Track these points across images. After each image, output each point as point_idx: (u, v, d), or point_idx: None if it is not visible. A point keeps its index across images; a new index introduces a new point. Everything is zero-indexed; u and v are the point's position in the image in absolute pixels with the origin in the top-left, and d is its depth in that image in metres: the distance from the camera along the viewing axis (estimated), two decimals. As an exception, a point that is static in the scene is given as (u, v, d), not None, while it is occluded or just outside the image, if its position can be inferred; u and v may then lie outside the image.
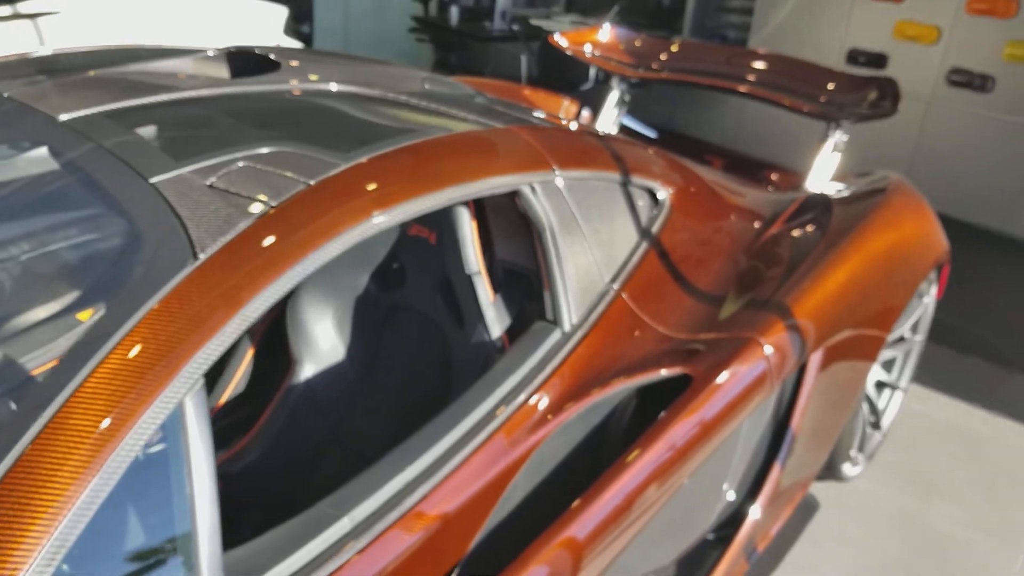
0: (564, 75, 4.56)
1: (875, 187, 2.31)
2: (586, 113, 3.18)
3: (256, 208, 1.05)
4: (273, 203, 1.06)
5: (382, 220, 1.14)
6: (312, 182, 1.11)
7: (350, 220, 1.09)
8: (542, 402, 1.36)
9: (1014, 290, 3.76)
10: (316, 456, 1.71)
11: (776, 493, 1.77)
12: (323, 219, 1.08)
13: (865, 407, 2.36)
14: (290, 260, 1.02)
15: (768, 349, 1.54)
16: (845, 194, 2.30)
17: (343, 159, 1.18)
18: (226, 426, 1.79)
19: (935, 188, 4.31)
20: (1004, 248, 4.11)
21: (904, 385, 2.56)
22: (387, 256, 1.69)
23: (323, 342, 1.68)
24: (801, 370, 1.72)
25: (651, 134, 5.20)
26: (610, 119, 3.13)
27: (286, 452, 1.68)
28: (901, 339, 2.47)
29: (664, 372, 1.45)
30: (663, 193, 1.86)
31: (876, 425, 2.47)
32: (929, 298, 2.43)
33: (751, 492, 1.70)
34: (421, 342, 1.63)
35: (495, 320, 1.53)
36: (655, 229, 1.77)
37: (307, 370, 1.68)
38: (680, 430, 1.36)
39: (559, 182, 1.54)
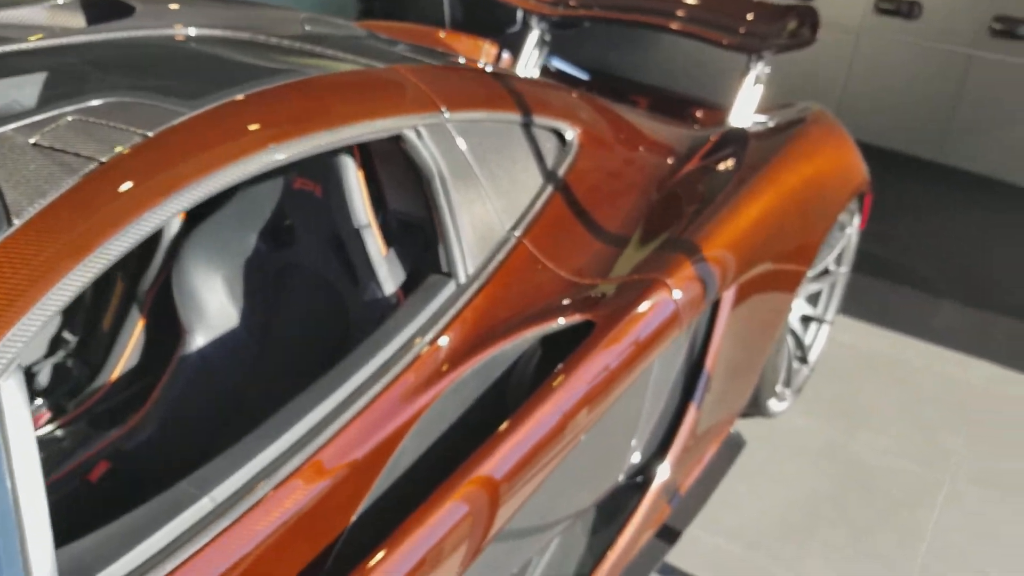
0: (489, 18, 4.41)
1: (793, 119, 2.26)
2: (506, 56, 3.07)
3: (84, 166, 0.95)
4: (103, 159, 0.96)
5: (234, 173, 1.05)
6: (150, 134, 1.01)
7: (193, 174, 1.00)
8: (435, 358, 1.29)
9: (945, 218, 3.78)
10: (216, 427, 1.63)
11: (695, 435, 1.74)
12: (162, 175, 0.98)
13: (790, 342, 2.35)
14: (121, 222, 0.92)
15: (676, 291, 1.49)
16: (763, 127, 2.25)
17: (189, 107, 1.08)
18: (120, 402, 1.70)
19: (866, 119, 4.30)
20: (935, 177, 4.12)
21: (831, 318, 2.55)
22: (274, 213, 1.59)
23: (213, 308, 1.59)
24: (715, 308, 1.68)
25: (583, 76, 5.11)
26: (531, 61, 3.02)
27: (183, 425, 1.59)
28: (826, 272, 2.45)
29: (563, 320, 1.39)
30: (571, 133, 1.78)
31: (803, 359, 2.46)
32: (852, 229, 2.41)
33: (668, 435, 1.66)
34: (315, 302, 1.55)
35: (388, 275, 1.45)
36: (561, 171, 1.70)
37: (199, 338, 1.59)
38: (581, 378, 1.31)
39: (449, 125, 1.45)
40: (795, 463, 2.26)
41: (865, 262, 3.30)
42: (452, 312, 1.35)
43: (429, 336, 1.31)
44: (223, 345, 1.60)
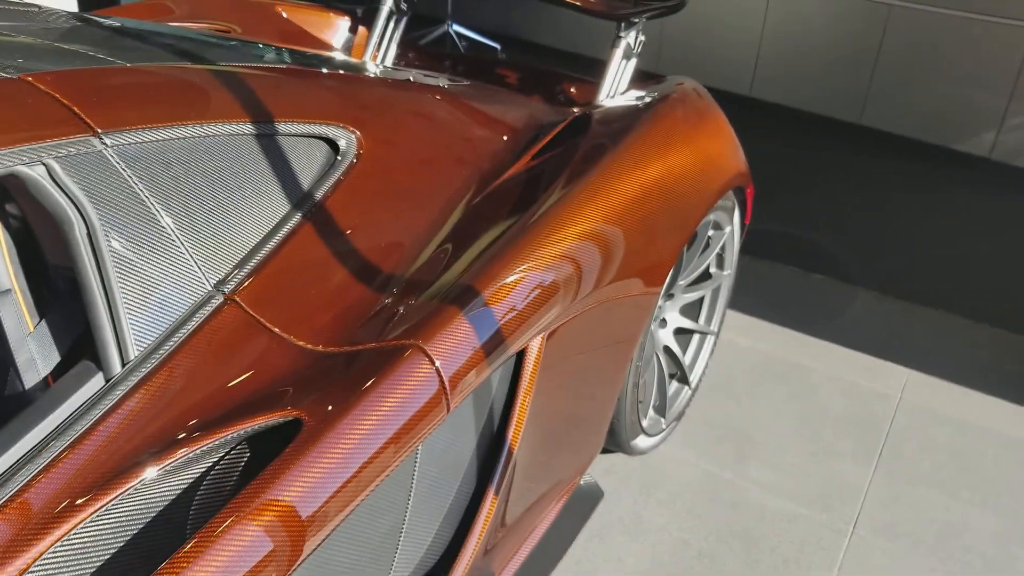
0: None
1: (654, 98, 1.87)
2: (363, 29, 2.66)
3: None
4: None
5: None
6: None
7: None
8: (49, 490, 0.90)
9: (865, 186, 3.44)
10: None
11: (503, 524, 1.38)
12: None
13: (664, 361, 2.00)
14: None
15: (440, 359, 1.11)
16: (613, 110, 1.86)
17: None
18: None
19: (783, 80, 3.95)
20: (857, 140, 3.78)
21: (715, 328, 2.20)
22: None
23: None
24: (521, 357, 1.31)
25: (492, 43, 4.68)
26: (388, 33, 2.58)
27: None
28: (706, 277, 2.10)
29: (261, 423, 1.00)
30: (346, 140, 1.38)
31: (683, 380, 2.12)
32: (733, 227, 2.05)
33: (459, 535, 1.30)
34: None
35: (35, 356, 1.06)
36: (321, 193, 1.30)
37: None
38: (278, 494, 0.94)
39: (107, 151, 1.05)
40: (665, 510, 1.92)
41: (771, 246, 2.96)
42: (95, 415, 0.96)
43: (48, 458, 0.92)
44: None
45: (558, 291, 1.33)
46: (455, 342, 1.14)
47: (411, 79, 1.74)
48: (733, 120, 2.02)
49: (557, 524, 1.69)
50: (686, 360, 2.15)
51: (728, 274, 2.14)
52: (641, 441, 1.94)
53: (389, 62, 2.48)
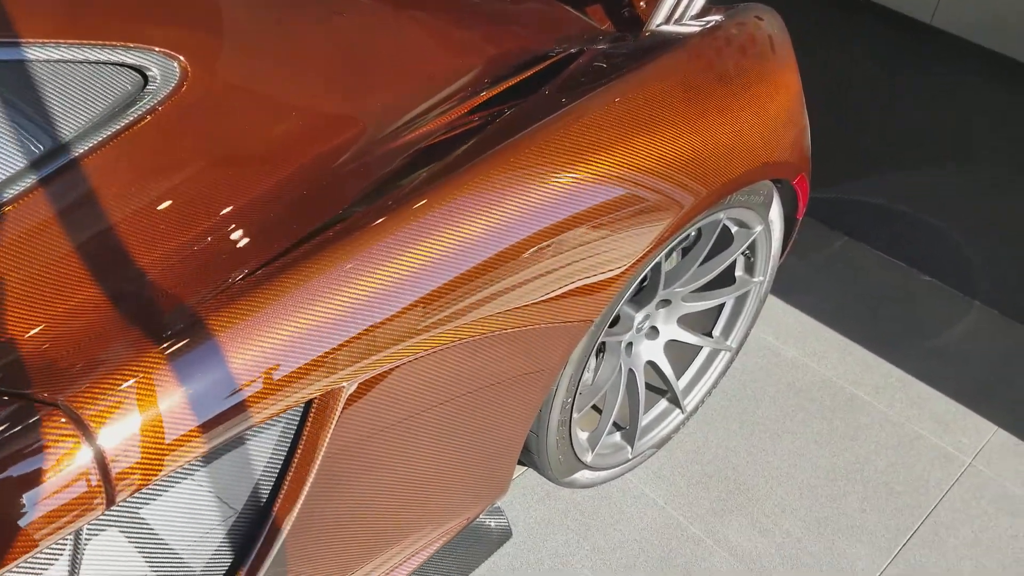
0: None
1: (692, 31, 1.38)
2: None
3: None
4: None
5: None
6: None
7: None
8: None
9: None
10: None
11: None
12: None
13: (640, 381, 1.60)
14: None
15: (101, 430, 0.80)
16: (626, 48, 1.39)
17: None
18: None
19: None
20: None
21: (734, 343, 1.75)
22: None
23: None
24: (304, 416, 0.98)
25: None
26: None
27: None
28: (731, 280, 1.64)
29: None
30: (162, 70, 1.06)
31: (675, 401, 1.71)
32: (768, 225, 1.56)
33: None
34: None
35: None
36: (89, 145, 1.00)
37: None
38: None
39: None
40: (597, 561, 1.57)
41: (869, 226, 2.40)
42: None
43: None
44: None
45: (376, 329, 0.97)
46: (127, 408, 0.82)
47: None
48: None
49: (436, 564, 1.40)
50: (682, 381, 1.73)
51: (760, 281, 1.67)
52: (583, 476, 1.58)
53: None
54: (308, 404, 0.95)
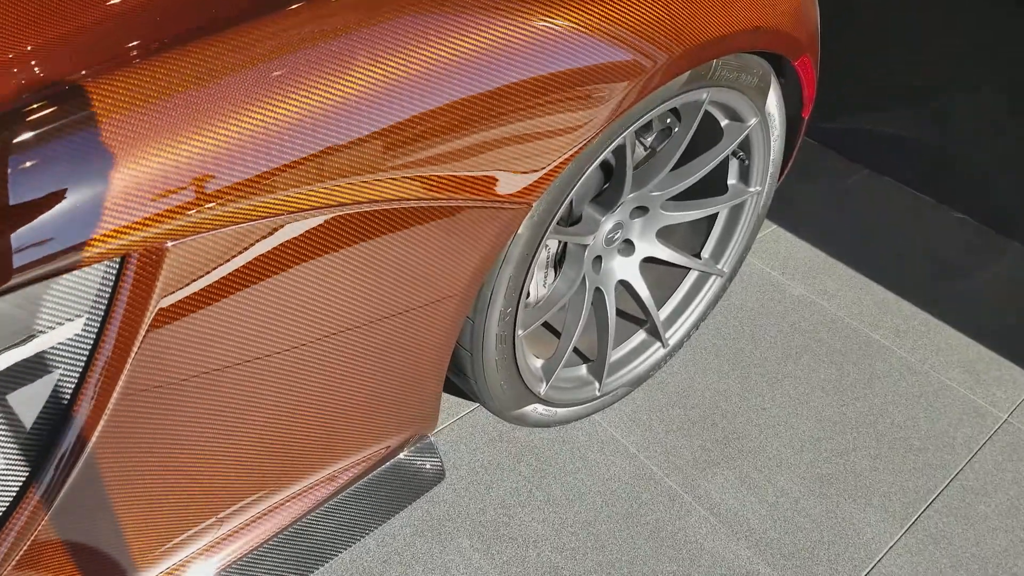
0: None
1: None
2: None
3: None
4: None
5: None
6: None
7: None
8: None
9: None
10: None
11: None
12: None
13: (611, 306, 1.34)
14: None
15: None
16: None
17: None
18: None
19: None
20: None
21: (727, 267, 1.48)
22: None
23: None
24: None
25: None
26: None
27: None
28: (723, 189, 1.38)
29: None
30: None
31: (655, 334, 1.45)
32: (766, 118, 1.29)
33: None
34: None
35: None
36: None
37: None
38: None
39: None
40: (550, 515, 1.32)
41: (899, 158, 2.10)
42: None
43: None
44: None
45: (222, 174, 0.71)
46: None
47: None
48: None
49: (353, 505, 1.16)
50: (664, 310, 1.46)
51: (757, 192, 1.39)
52: (536, 412, 1.32)
53: None
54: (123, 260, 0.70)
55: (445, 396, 1.46)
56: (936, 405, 1.55)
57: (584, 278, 1.28)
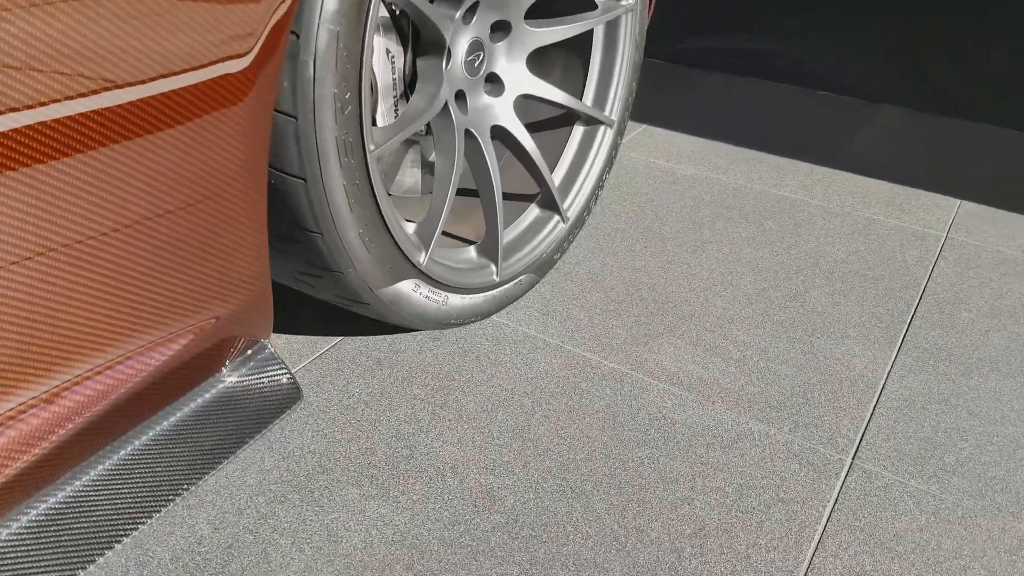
0: None
1: None
2: None
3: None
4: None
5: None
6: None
7: None
8: None
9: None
10: None
11: None
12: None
13: (492, 163, 1.04)
14: None
15: None
16: None
17: None
18: None
19: None
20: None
21: (613, 114, 1.23)
22: None
23: None
24: None
25: None
26: None
27: None
28: (591, 5, 1.13)
29: None
30: None
31: (551, 205, 1.16)
32: None
33: None
34: None
35: None
36: None
37: None
38: None
39: None
40: (473, 432, 0.97)
41: (769, 63, 1.98)
42: None
43: None
44: None
45: None
46: None
47: None
48: None
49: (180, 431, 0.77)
50: (556, 174, 1.19)
51: (629, 5, 1.16)
52: (418, 293, 0.98)
53: None
54: None
55: (297, 336, 1.10)
56: (873, 237, 1.35)
57: (447, 104, 0.97)
